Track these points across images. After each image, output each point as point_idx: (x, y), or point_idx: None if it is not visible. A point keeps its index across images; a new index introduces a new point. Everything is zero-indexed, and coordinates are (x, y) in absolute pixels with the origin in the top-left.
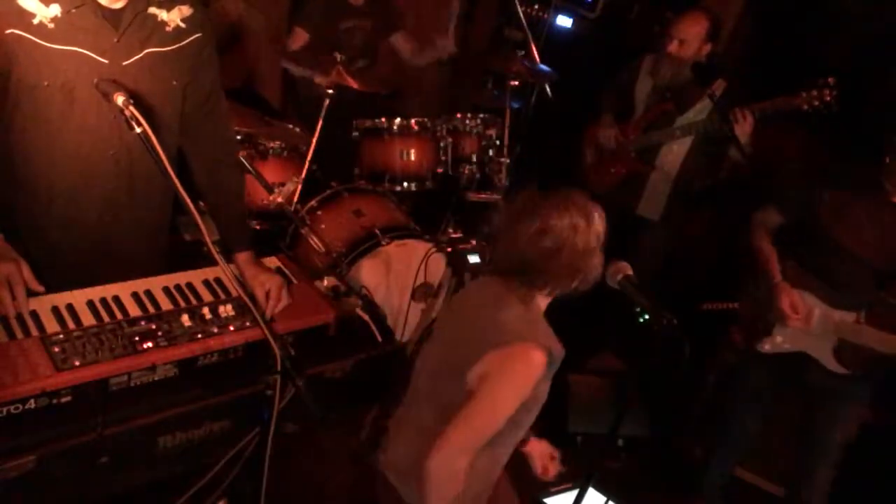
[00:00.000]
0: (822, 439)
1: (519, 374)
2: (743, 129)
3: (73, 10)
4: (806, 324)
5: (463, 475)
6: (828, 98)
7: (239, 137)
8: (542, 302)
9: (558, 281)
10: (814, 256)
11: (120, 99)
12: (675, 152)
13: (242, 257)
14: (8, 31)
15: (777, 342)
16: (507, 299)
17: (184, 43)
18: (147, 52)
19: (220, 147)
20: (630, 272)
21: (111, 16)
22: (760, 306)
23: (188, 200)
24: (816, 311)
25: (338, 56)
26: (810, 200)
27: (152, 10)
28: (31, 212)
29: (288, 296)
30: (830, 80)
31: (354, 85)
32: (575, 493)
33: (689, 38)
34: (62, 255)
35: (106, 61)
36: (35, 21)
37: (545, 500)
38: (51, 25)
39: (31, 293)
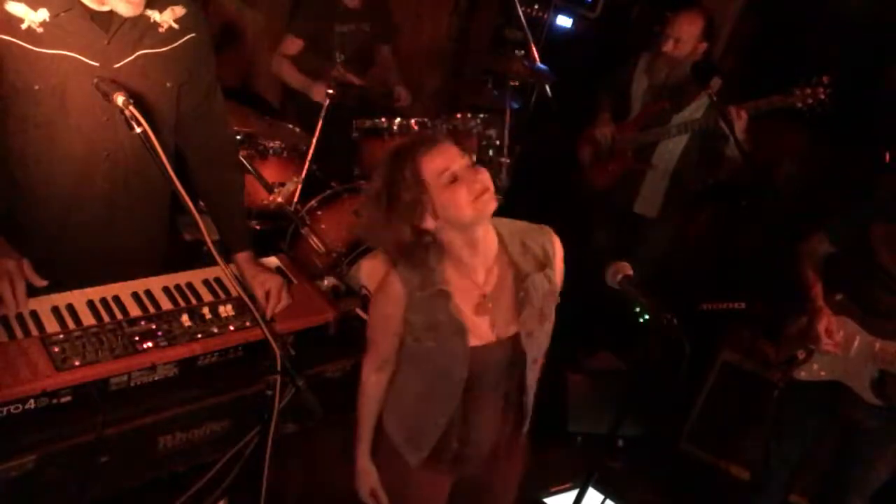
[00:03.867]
0: (860, 476)
1: (375, 294)
2: (738, 126)
3: (62, 14)
4: (844, 351)
5: (364, 379)
6: (822, 96)
7: (239, 137)
8: (443, 236)
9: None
10: (863, 286)
11: (120, 99)
12: (671, 150)
13: (242, 257)
14: None
15: (814, 370)
16: None
17: (177, 44)
18: (140, 54)
19: (218, 146)
20: (630, 272)
21: (101, 18)
22: (802, 334)
23: (188, 200)
24: (857, 339)
25: (337, 57)
26: (863, 232)
27: (145, 11)
28: (30, 213)
29: (288, 296)
30: (825, 78)
31: (357, 81)
32: (575, 493)
33: (685, 37)
34: (61, 255)
35: (97, 64)
36: (23, 26)
37: (545, 500)
38: (39, 30)
39: (32, 292)
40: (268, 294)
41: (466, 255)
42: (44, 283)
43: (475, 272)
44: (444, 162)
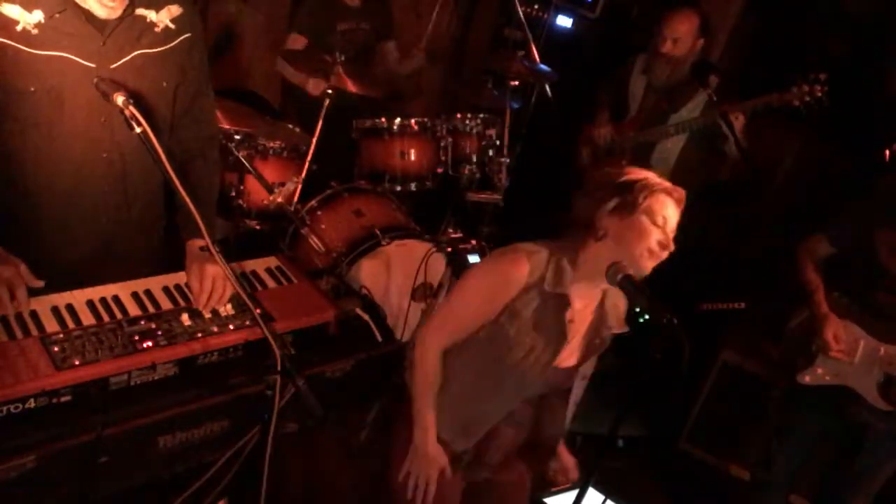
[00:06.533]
0: (864, 476)
1: (491, 268)
2: (735, 125)
3: (57, 15)
4: (850, 356)
5: (433, 356)
6: (819, 93)
7: (238, 137)
8: (590, 248)
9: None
10: (865, 289)
11: (120, 99)
12: (669, 150)
13: (193, 244)
14: None
15: (818, 374)
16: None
17: (174, 44)
18: (136, 54)
19: (203, 145)
20: (630, 272)
21: (96, 19)
22: (804, 336)
23: (188, 199)
24: (862, 343)
25: (338, 56)
26: (863, 234)
27: (140, 11)
28: (28, 215)
29: (230, 287)
30: (822, 75)
31: (353, 89)
32: (575, 493)
33: (683, 36)
34: (60, 256)
35: (93, 65)
36: (18, 28)
37: (545, 499)
38: (35, 31)
39: (32, 293)
40: (201, 284)
41: (587, 277)
42: (40, 284)
43: (580, 297)
44: (665, 216)
